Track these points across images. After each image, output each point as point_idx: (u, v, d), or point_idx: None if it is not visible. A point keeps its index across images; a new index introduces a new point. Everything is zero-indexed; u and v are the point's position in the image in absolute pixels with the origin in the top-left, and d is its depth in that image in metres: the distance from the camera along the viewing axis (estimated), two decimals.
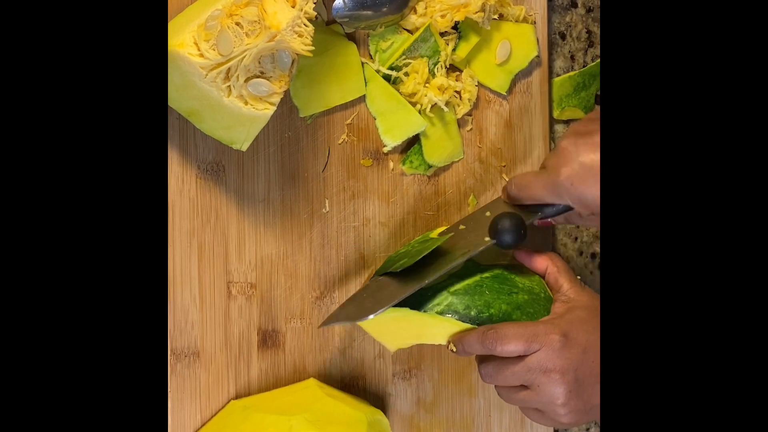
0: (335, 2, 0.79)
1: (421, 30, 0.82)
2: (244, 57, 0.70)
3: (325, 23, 0.81)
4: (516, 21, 0.86)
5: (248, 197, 0.79)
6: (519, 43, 0.86)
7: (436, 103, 0.82)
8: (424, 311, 0.76)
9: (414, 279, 0.76)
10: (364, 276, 0.83)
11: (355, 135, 0.83)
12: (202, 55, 0.70)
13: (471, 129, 0.86)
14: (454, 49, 0.84)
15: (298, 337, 0.81)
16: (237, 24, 0.70)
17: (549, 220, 0.78)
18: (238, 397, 0.79)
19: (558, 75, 0.90)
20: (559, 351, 0.72)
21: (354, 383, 0.83)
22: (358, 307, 0.76)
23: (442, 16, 0.82)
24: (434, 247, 0.76)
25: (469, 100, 0.85)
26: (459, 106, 0.85)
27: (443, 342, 0.77)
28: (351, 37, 0.82)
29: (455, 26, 0.84)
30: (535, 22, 0.87)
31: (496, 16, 0.84)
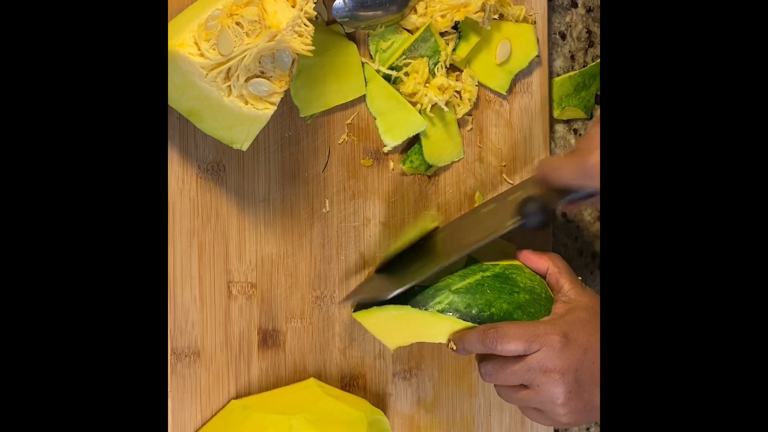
0: (335, 2, 0.79)
1: (421, 30, 0.82)
2: (245, 57, 0.70)
3: (326, 23, 0.81)
4: (516, 21, 0.86)
5: (248, 197, 0.79)
6: (519, 42, 0.86)
7: (436, 103, 0.82)
8: (425, 309, 0.76)
9: (434, 259, 0.76)
10: (365, 276, 0.83)
11: (355, 135, 0.83)
12: (202, 55, 0.70)
13: (471, 129, 0.86)
14: (454, 49, 0.84)
15: (299, 336, 0.81)
16: (237, 24, 0.70)
17: (574, 205, 0.78)
18: (238, 396, 0.79)
19: (558, 75, 0.90)
20: (560, 351, 0.72)
21: (354, 383, 0.83)
22: (379, 286, 0.77)
23: (442, 16, 0.82)
24: (428, 227, 0.76)
25: (470, 100, 0.85)
26: (459, 106, 0.85)
27: (443, 340, 0.77)
28: (351, 37, 0.82)
29: (455, 26, 0.84)
30: (535, 22, 0.87)
31: (496, 16, 0.84)
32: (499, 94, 0.87)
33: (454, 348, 0.75)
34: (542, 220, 0.75)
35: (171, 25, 0.73)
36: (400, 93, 0.82)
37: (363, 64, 0.82)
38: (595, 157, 0.72)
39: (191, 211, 0.77)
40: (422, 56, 0.82)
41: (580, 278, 0.80)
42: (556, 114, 0.90)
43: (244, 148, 0.74)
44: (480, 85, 0.86)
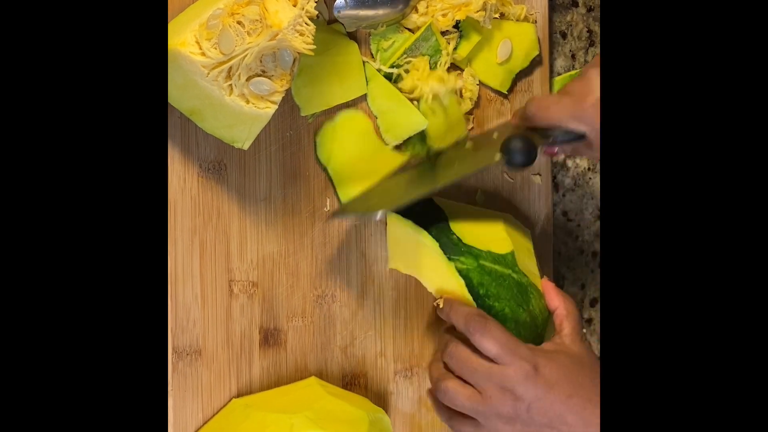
0: (337, 1, 0.79)
1: (422, 29, 0.82)
2: (246, 56, 0.70)
3: (327, 22, 0.81)
4: (517, 20, 0.86)
5: (250, 196, 0.79)
6: (520, 42, 0.86)
7: (437, 94, 0.82)
8: (449, 258, 0.77)
9: (424, 183, 0.78)
10: (365, 274, 0.83)
11: None
12: (203, 54, 0.70)
13: (472, 128, 0.86)
14: (455, 48, 0.84)
15: (300, 335, 0.81)
16: (238, 23, 0.70)
17: (556, 149, 0.78)
18: (239, 395, 0.79)
19: (559, 74, 0.90)
20: (524, 378, 0.71)
21: (355, 381, 0.83)
22: (366, 202, 0.78)
23: (444, 15, 0.82)
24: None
25: (471, 98, 0.85)
26: (461, 103, 0.85)
27: (434, 292, 0.79)
28: (352, 36, 0.82)
29: (456, 25, 0.84)
30: (536, 21, 0.87)
31: (497, 15, 0.84)
32: (500, 93, 0.87)
33: (440, 306, 0.77)
34: (525, 159, 0.75)
35: (172, 25, 0.73)
36: (401, 90, 0.83)
37: (364, 63, 0.82)
38: (591, 99, 0.72)
39: (192, 210, 0.77)
40: (423, 55, 0.82)
41: (585, 330, 0.80)
42: None
43: (246, 147, 0.74)
44: (481, 84, 0.86)
